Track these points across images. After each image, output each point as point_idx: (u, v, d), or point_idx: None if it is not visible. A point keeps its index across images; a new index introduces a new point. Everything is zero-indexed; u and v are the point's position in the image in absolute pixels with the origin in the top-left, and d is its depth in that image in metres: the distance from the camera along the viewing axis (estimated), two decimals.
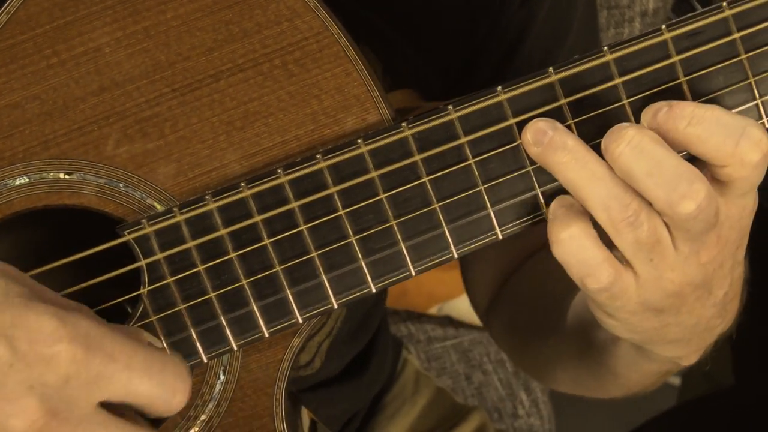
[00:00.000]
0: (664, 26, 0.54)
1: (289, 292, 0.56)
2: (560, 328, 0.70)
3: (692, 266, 0.53)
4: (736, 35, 0.54)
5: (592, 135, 0.55)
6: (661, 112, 0.52)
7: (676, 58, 0.54)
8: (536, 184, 0.55)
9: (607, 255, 0.51)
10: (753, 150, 0.50)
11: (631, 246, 0.51)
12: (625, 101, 0.55)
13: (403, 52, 0.70)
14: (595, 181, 0.51)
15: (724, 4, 0.54)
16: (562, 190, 0.54)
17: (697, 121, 0.51)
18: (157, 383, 0.48)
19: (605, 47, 0.55)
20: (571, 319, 0.68)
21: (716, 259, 0.54)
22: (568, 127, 0.55)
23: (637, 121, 0.54)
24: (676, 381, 1.83)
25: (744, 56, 0.54)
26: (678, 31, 0.54)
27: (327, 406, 0.80)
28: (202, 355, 0.56)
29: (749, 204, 0.54)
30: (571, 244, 0.51)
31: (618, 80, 0.55)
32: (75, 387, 0.46)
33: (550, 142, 0.52)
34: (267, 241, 0.55)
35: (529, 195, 0.55)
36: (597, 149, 0.53)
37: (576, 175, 0.51)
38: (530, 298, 0.77)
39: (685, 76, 0.54)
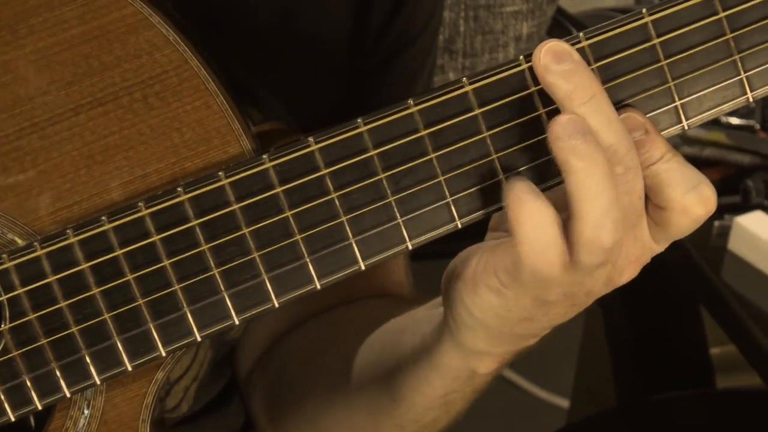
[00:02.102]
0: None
1: (152, 326, 0.55)
2: (342, 384, 0.68)
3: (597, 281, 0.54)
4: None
5: (455, 166, 0.55)
6: (637, 132, 0.53)
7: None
8: (398, 214, 0.55)
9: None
10: (699, 204, 0.52)
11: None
12: (486, 134, 0.55)
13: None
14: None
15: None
16: (424, 218, 0.55)
17: (668, 159, 0.52)
18: None
19: (464, 78, 0.55)
20: (360, 365, 0.67)
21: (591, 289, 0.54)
22: (430, 159, 0.55)
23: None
24: (564, 403, 1.86)
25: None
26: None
27: None
28: (65, 390, 0.55)
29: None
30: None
31: (477, 111, 0.55)
32: None
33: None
34: (129, 276, 0.55)
35: (390, 225, 0.55)
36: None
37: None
38: (308, 359, 0.75)
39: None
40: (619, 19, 0.54)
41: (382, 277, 0.78)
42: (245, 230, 0.55)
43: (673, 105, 0.55)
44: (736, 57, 0.54)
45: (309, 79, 0.75)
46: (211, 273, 0.55)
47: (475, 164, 0.55)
